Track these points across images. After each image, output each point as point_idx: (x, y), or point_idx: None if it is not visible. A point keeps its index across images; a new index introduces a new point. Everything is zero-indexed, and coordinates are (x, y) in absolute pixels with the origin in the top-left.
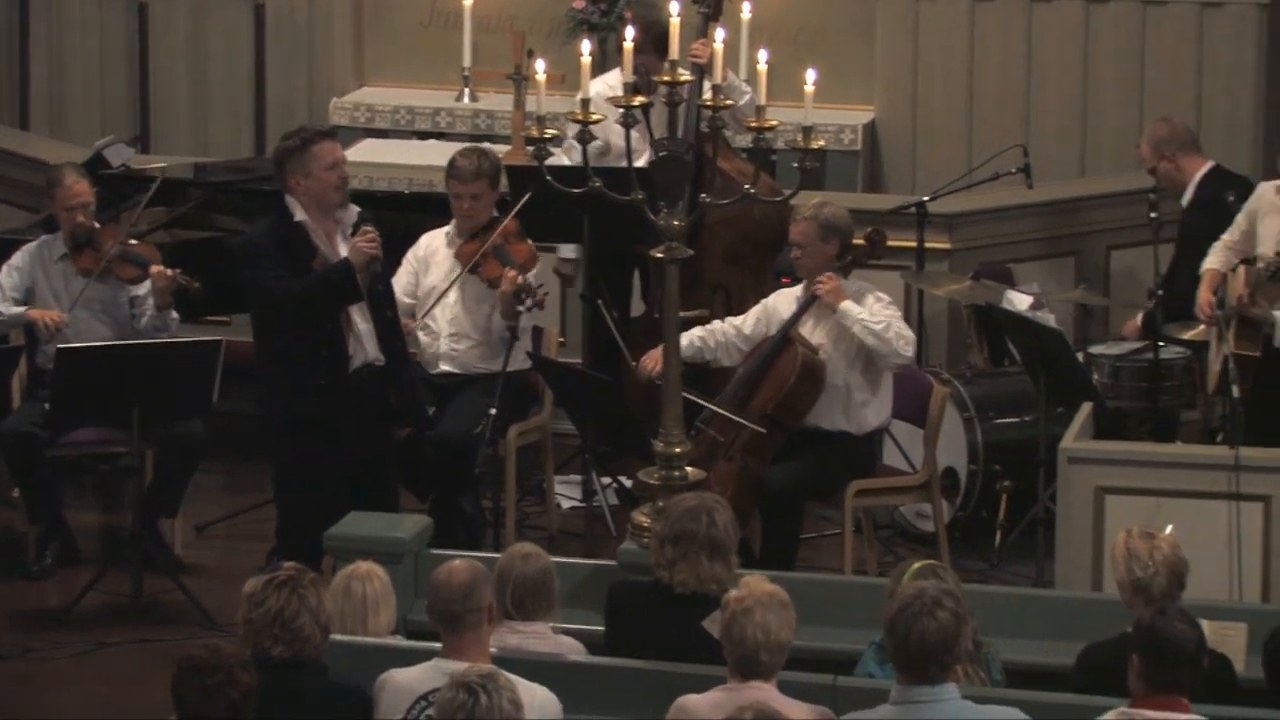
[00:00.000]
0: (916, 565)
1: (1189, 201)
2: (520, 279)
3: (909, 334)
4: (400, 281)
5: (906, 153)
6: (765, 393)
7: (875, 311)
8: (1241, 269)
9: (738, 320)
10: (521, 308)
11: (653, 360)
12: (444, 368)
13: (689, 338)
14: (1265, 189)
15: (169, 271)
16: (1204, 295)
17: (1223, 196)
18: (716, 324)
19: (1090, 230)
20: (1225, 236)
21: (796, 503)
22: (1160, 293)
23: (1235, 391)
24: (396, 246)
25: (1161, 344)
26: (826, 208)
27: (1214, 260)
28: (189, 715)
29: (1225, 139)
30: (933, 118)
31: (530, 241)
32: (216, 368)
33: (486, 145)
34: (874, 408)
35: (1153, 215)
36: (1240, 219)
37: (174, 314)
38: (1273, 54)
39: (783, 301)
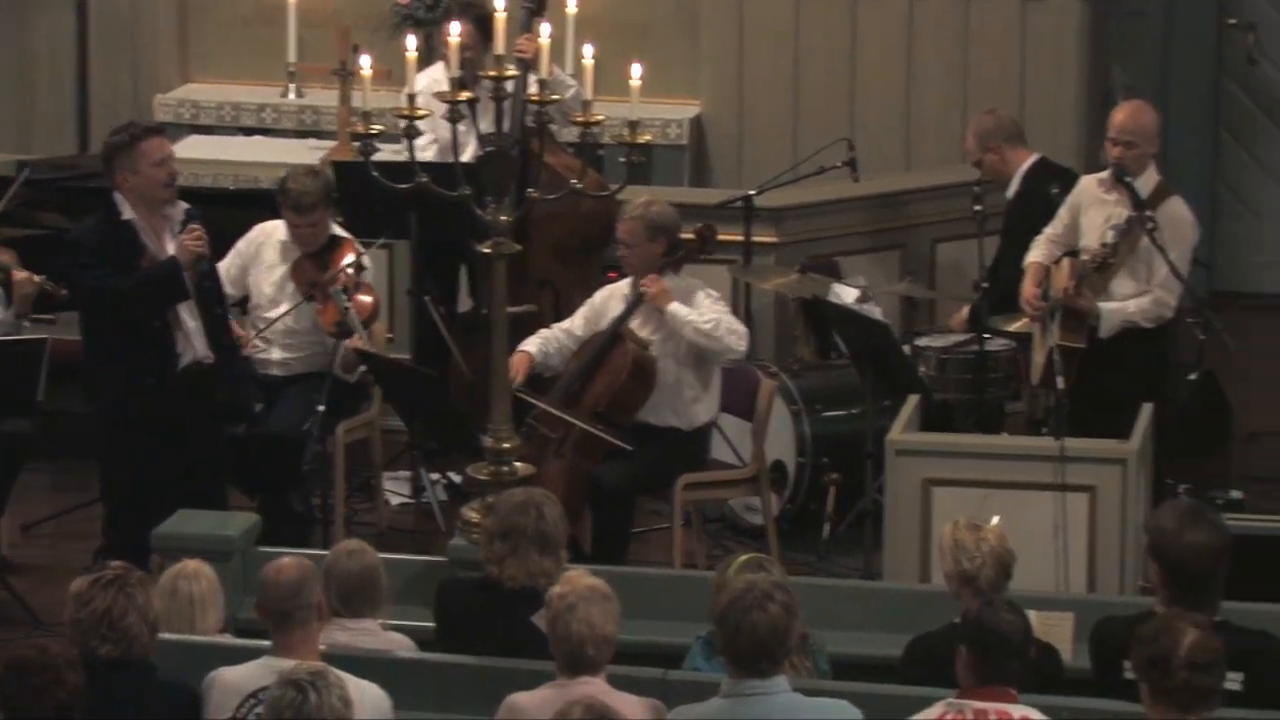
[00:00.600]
0: (743, 558)
1: (1014, 194)
2: (361, 342)
3: (740, 328)
4: (227, 273)
5: (733, 147)
6: (597, 390)
7: (704, 310)
8: (1066, 261)
9: (566, 324)
10: (363, 367)
11: (511, 370)
12: (274, 372)
13: (533, 345)
14: (1088, 182)
15: (35, 277)
16: (1028, 288)
17: (1047, 188)
18: (547, 332)
19: (916, 223)
20: (1048, 230)
21: (628, 499)
22: (985, 285)
23: (1060, 383)
24: (224, 244)
25: (987, 336)
26: (653, 207)
27: (1037, 253)
28: (16, 715)
29: (1049, 131)
30: (758, 112)
31: (373, 293)
32: (41, 366)
33: (306, 159)
34: (703, 403)
35: (978, 208)
36: (1063, 212)
37: (27, 323)
38: (1094, 46)
39: (611, 299)
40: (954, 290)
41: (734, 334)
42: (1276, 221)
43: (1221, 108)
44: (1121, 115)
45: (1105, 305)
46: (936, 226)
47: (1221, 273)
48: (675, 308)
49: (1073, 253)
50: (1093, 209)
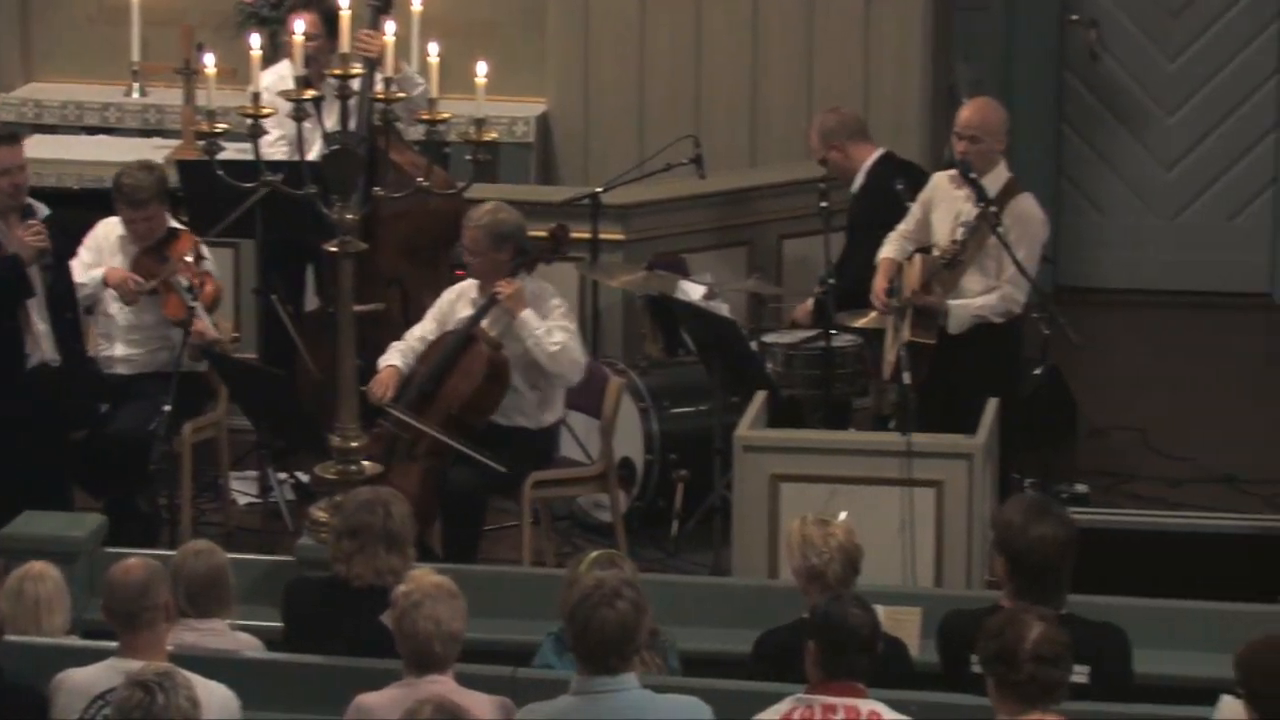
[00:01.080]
0: (594, 555)
1: (859, 189)
2: (210, 333)
3: (580, 358)
4: (85, 269)
5: (579, 145)
6: (450, 392)
7: (553, 329)
8: (917, 258)
9: (419, 330)
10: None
11: (381, 387)
12: (119, 370)
13: (400, 355)
14: (939, 178)
15: None
16: (878, 283)
17: (891, 184)
18: (403, 344)
19: (762, 220)
20: (901, 226)
21: (478, 500)
22: (831, 281)
23: (907, 378)
24: (70, 244)
25: (833, 332)
26: (500, 214)
27: (890, 249)
28: None
29: (894, 127)
30: (605, 109)
31: (214, 280)
32: None
33: (149, 157)
34: (551, 404)
35: (823, 204)
36: (915, 208)
37: None
38: (938, 42)
39: (460, 299)
40: (800, 286)
41: (574, 365)
42: (1119, 216)
43: (1064, 103)
44: (968, 111)
45: (954, 302)
46: (782, 223)
47: (1066, 268)
48: (527, 316)
49: (925, 249)
50: (943, 205)
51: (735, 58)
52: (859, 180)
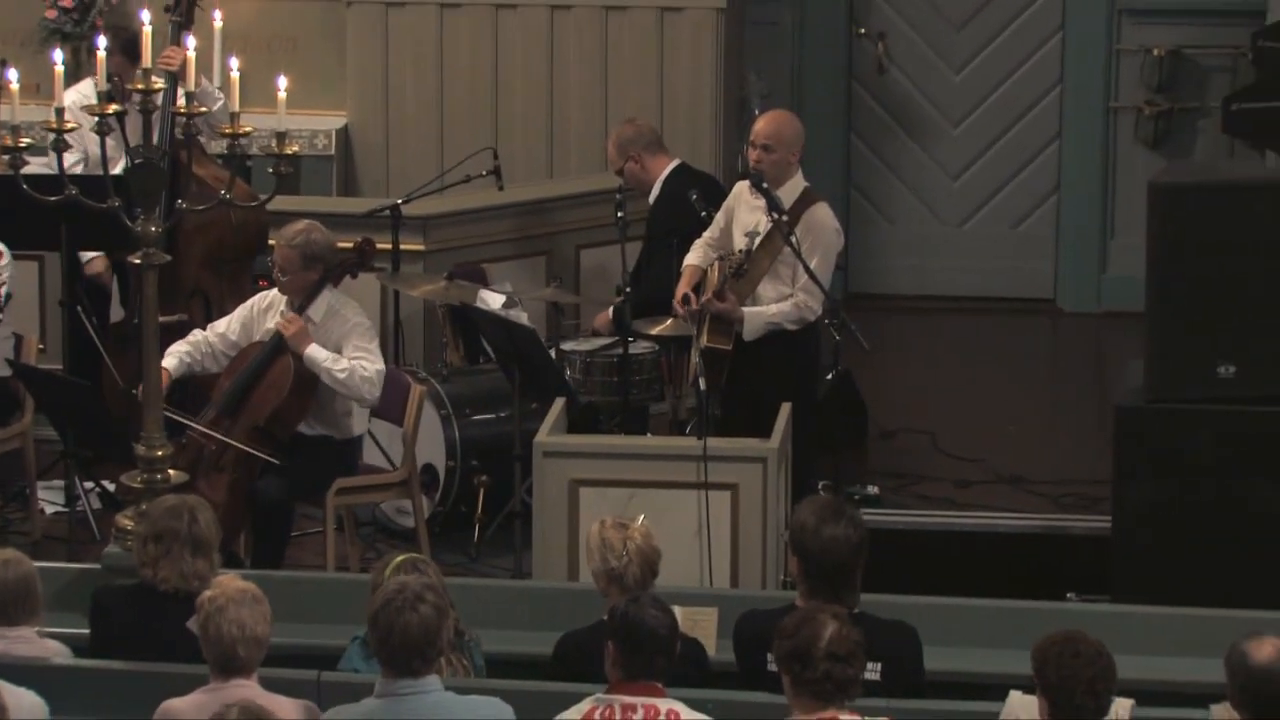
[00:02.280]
0: (398, 559)
1: (655, 199)
2: None
3: (373, 373)
4: None
5: (380, 156)
6: (257, 403)
7: (345, 351)
8: (718, 265)
9: (221, 326)
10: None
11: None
12: None
13: (175, 357)
14: (741, 187)
15: None
16: (680, 290)
17: (687, 193)
18: (198, 334)
19: (560, 230)
20: (706, 234)
21: (286, 509)
22: (629, 290)
23: (701, 384)
24: None
25: (630, 340)
26: (313, 235)
27: (694, 256)
28: None
29: (689, 138)
30: (405, 122)
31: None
32: None
33: None
34: (356, 414)
35: (620, 214)
36: (719, 216)
37: None
38: (731, 54)
39: (271, 309)
40: (598, 295)
41: (367, 382)
42: (906, 224)
43: (853, 114)
44: (763, 122)
45: (748, 309)
46: (580, 233)
47: (856, 275)
48: (312, 352)
49: (725, 256)
50: (742, 213)
51: (532, 71)
52: (655, 191)
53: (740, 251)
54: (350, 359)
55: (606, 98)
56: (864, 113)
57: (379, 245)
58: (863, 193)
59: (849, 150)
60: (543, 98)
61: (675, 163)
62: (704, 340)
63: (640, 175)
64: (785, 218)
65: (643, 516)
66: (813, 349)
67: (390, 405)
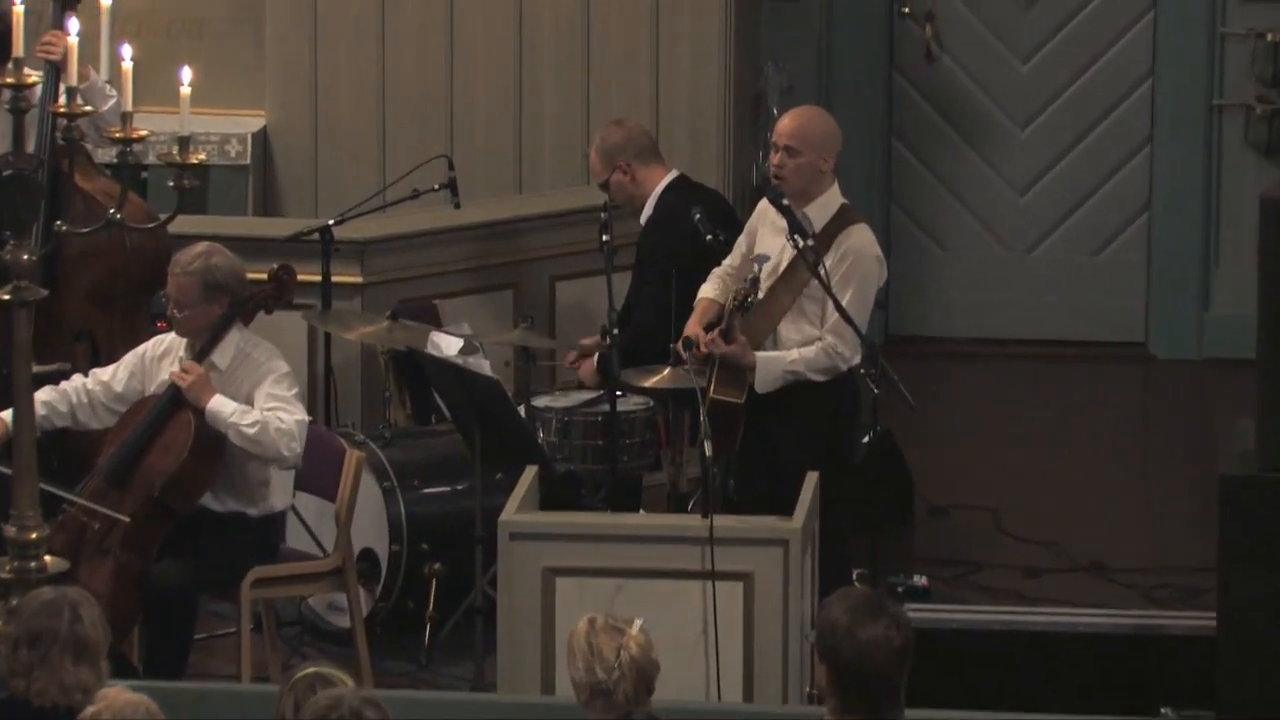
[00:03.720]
0: (299, 675)
1: (648, 220)
2: None
3: (292, 424)
4: None
5: (307, 166)
6: (151, 469)
7: (257, 402)
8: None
9: (105, 374)
10: None
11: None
12: None
13: (6, 417)
14: (766, 204)
15: None
16: (689, 328)
17: (687, 212)
18: (75, 381)
19: (531, 258)
20: (726, 261)
21: (188, 601)
22: (617, 331)
23: (708, 449)
24: None
25: (619, 394)
26: (213, 259)
27: (710, 289)
28: None
29: (689, 144)
30: (338, 125)
31: None
32: None
33: None
34: (276, 485)
35: (605, 238)
36: (741, 240)
37: None
38: (741, 42)
39: (169, 354)
40: (579, 338)
41: (284, 436)
42: (961, 251)
43: (895, 113)
44: (787, 119)
45: (762, 354)
46: (556, 261)
47: (899, 313)
48: (216, 405)
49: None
50: (765, 235)
51: (496, 60)
52: (648, 209)
53: (747, 280)
54: (263, 410)
55: (588, 94)
56: (909, 112)
57: (305, 276)
58: (907, 211)
59: (890, 159)
60: (509, 93)
61: (673, 174)
62: (711, 392)
63: (630, 190)
64: (811, 242)
65: (640, 621)
66: (846, 405)
67: (320, 475)
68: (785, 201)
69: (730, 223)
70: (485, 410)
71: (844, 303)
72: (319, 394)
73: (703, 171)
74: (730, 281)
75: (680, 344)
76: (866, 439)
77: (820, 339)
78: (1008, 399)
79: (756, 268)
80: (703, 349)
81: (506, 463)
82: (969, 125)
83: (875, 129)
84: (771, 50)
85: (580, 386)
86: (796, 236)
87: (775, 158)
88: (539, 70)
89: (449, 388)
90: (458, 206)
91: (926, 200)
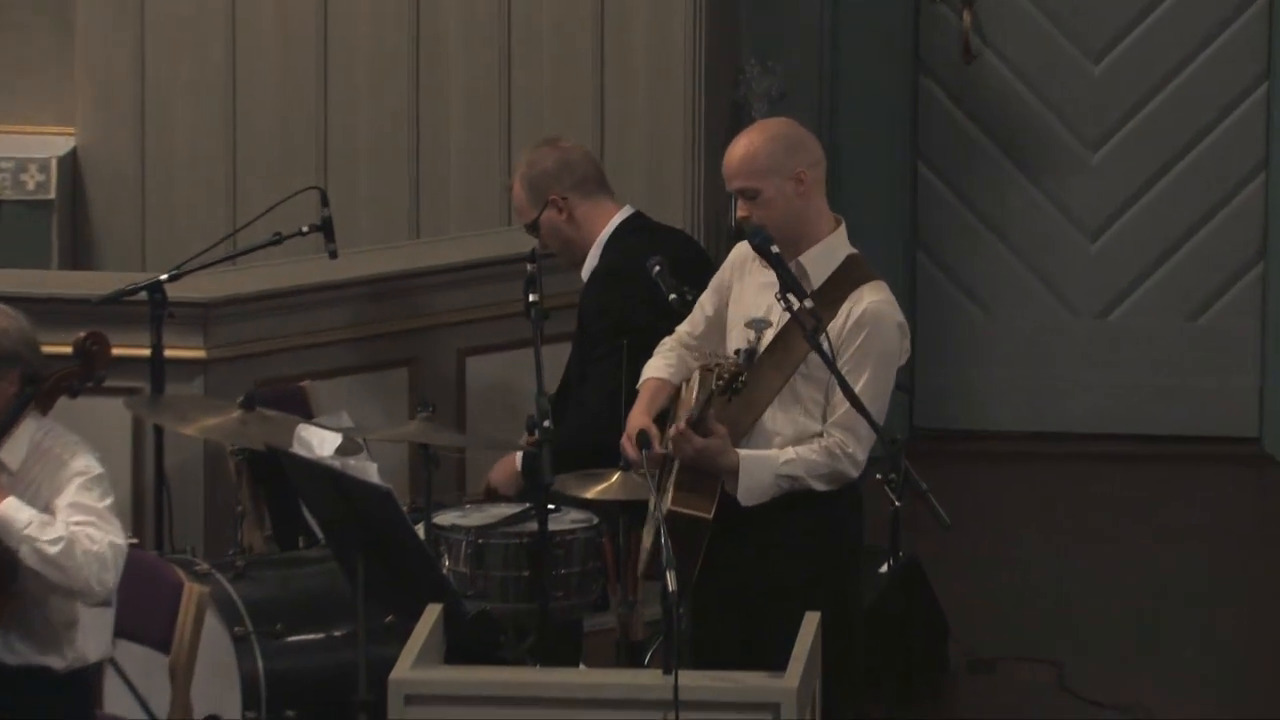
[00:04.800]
0: None
1: (593, 272)
2: None
3: (105, 550)
4: None
5: (130, 201)
6: None
7: (61, 514)
8: (696, 375)
9: None
10: None
11: None
12: None
13: None
14: (745, 251)
15: None
16: (635, 421)
17: (644, 262)
18: None
19: (432, 324)
20: (682, 328)
21: None
22: (548, 425)
23: (670, 582)
24: None
25: (553, 508)
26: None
27: (658, 365)
28: None
29: (647, 169)
30: (173, 147)
31: None
32: None
33: None
34: (89, 628)
35: (533, 298)
36: (706, 297)
37: None
38: (716, 32)
39: None
40: (497, 431)
41: (94, 560)
42: (1012, 314)
43: (923, 128)
44: (732, 150)
45: (746, 453)
46: (466, 329)
47: (928, 400)
48: (7, 512)
49: (713, 362)
50: (747, 293)
51: (386, 59)
52: (593, 258)
53: (738, 353)
54: (70, 525)
55: (508, 106)
56: (941, 127)
57: (127, 349)
58: (938, 260)
59: (915, 190)
60: (402, 103)
61: (625, 212)
62: (669, 502)
63: (567, 232)
64: (810, 304)
65: None
66: (855, 524)
67: (148, 617)
68: (775, 249)
69: (701, 275)
70: (371, 530)
71: (857, 388)
72: (147, 508)
73: (664, 207)
74: (686, 356)
75: (631, 439)
76: (885, 569)
77: (822, 434)
78: (1072, 515)
79: (753, 335)
80: (660, 447)
81: (400, 601)
82: (1021, 146)
83: (896, 150)
84: (757, 46)
85: (496, 497)
86: (790, 296)
87: (740, 207)
88: (443, 71)
89: (322, 500)
90: (334, 256)
91: (964, 246)
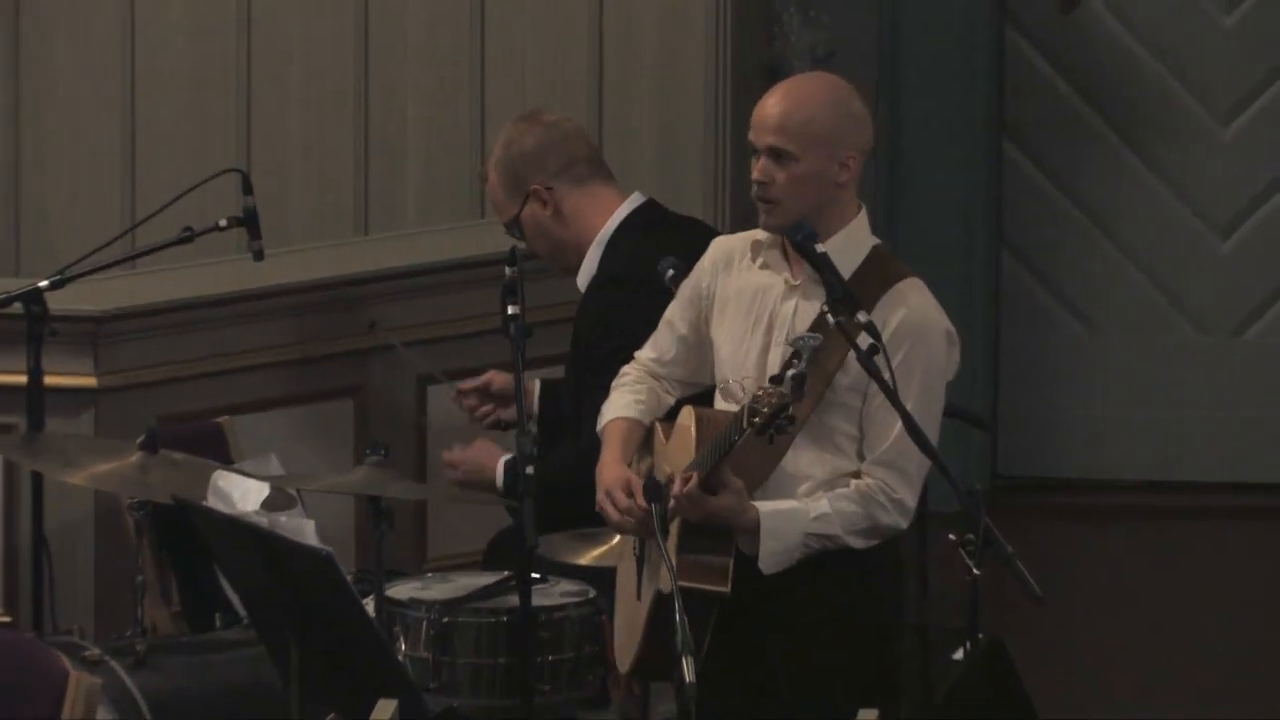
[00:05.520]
0: None
1: (593, 280)
2: None
3: None
4: None
5: (3, 194)
6: None
7: None
8: (689, 415)
9: None
10: None
11: None
12: None
13: None
14: (728, 245)
15: None
16: (610, 472)
17: (654, 265)
18: None
19: (384, 344)
20: (644, 352)
21: None
22: (532, 470)
23: (688, 671)
24: None
25: (539, 578)
26: None
27: (626, 401)
28: None
29: (659, 154)
30: (53, 125)
31: None
32: None
33: None
34: None
35: (512, 310)
36: (675, 315)
37: None
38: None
39: None
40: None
41: None
42: (1126, 330)
43: (1010, 99)
44: (773, 100)
45: (769, 508)
46: (428, 349)
47: (1015, 442)
48: None
49: (701, 395)
50: (738, 300)
51: (329, 26)
52: (591, 261)
53: (772, 381)
54: None
55: (480, 65)
56: (1032, 94)
57: (5, 377)
58: (1028, 263)
59: (1000, 173)
60: (349, 68)
61: (632, 202)
62: (674, 574)
63: (554, 231)
64: (865, 318)
65: None
66: (896, 589)
67: (23, 712)
68: (820, 248)
69: None
70: (307, 605)
71: (908, 407)
72: (22, 576)
73: (684, 194)
74: (658, 388)
75: (615, 495)
76: (959, 655)
77: (860, 475)
78: (1200, 581)
79: (799, 359)
80: (644, 504)
81: (343, 696)
82: (1134, 118)
83: (975, 123)
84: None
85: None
86: (831, 307)
87: (758, 166)
88: (395, 30)
89: (245, 567)
90: (260, 257)
91: (1061, 246)
